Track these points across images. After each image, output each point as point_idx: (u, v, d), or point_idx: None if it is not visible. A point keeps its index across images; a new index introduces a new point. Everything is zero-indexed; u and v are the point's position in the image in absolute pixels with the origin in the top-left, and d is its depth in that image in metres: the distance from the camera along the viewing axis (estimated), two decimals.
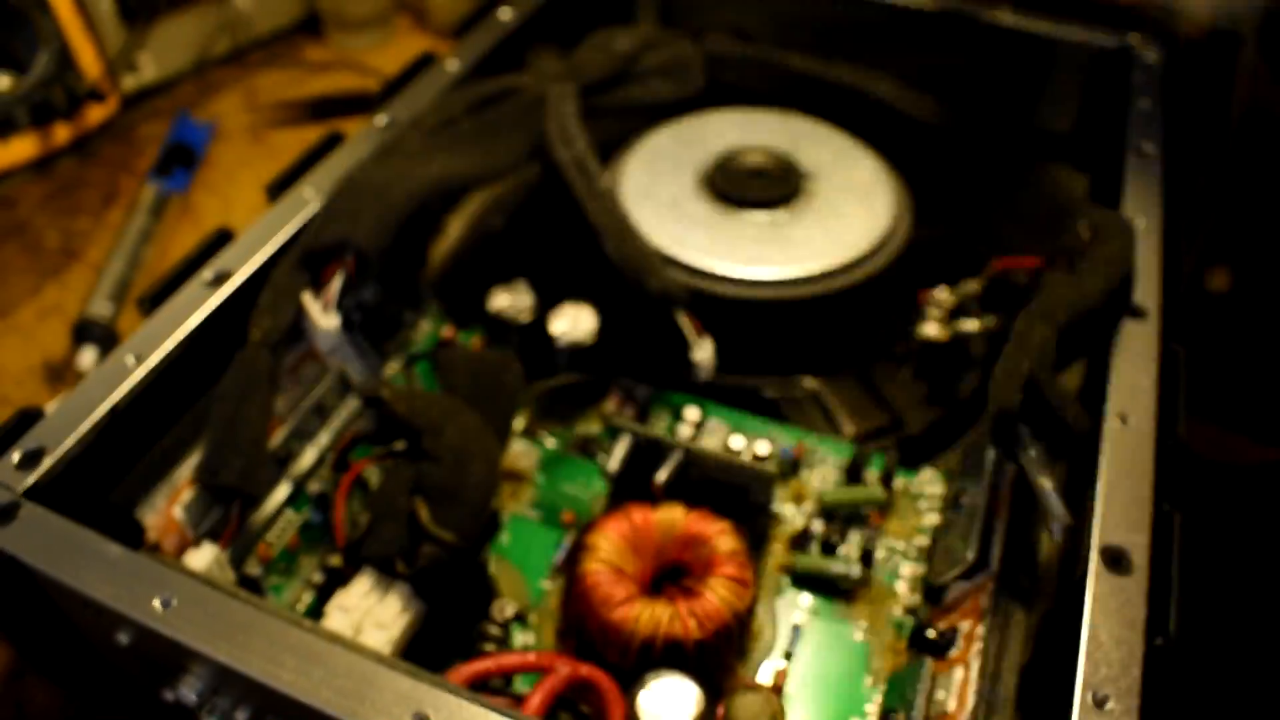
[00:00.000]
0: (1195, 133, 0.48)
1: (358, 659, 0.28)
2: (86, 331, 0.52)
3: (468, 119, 0.44)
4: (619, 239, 0.40)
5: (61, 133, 0.64)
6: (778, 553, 0.38)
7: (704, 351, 0.40)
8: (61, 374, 0.52)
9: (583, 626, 0.33)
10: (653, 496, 0.36)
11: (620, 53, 0.51)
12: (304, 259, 0.39)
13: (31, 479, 0.32)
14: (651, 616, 0.32)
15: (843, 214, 0.45)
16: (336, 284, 0.39)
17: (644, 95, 0.50)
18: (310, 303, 0.38)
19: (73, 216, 0.61)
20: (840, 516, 0.38)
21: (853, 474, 0.40)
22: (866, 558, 0.37)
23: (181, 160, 0.63)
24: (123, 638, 0.30)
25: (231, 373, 0.36)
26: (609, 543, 0.34)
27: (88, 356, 0.50)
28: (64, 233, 0.60)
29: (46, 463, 0.32)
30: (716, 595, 0.33)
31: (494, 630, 0.34)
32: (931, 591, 0.36)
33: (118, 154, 0.66)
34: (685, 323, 0.40)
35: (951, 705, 0.32)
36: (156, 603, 0.29)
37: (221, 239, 0.40)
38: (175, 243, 0.60)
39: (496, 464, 0.33)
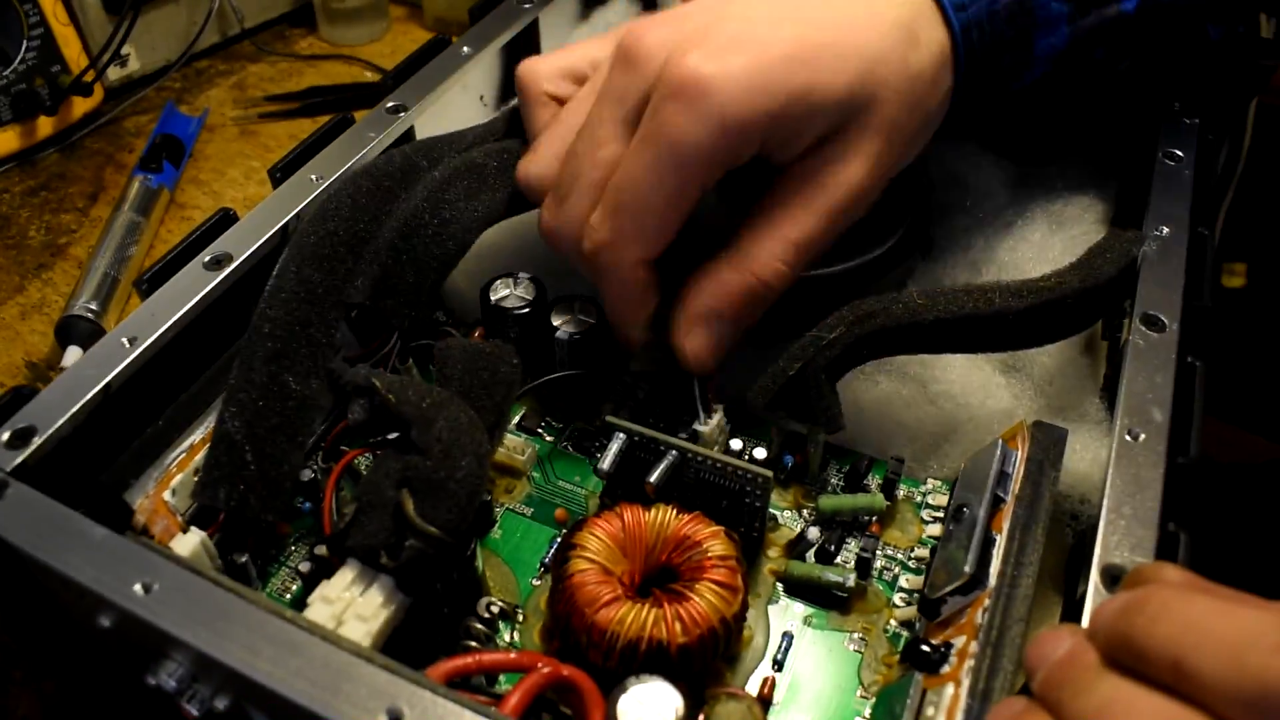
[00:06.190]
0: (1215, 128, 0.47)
1: (334, 651, 0.28)
2: (71, 330, 0.49)
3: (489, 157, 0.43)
4: None
5: (45, 126, 0.62)
6: (773, 558, 0.37)
7: None
8: (45, 374, 0.50)
9: (567, 626, 0.33)
10: (647, 497, 0.36)
11: None
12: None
13: (20, 458, 0.32)
14: (636, 619, 0.32)
15: None
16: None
17: None
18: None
19: (57, 212, 0.60)
20: (839, 524, 0.38)
21: (853, 480, 0.39)
22: (863, 567, 0.36)
23: (169, 154, 0.61)
24: (105, 621, 0.30)
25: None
26: (597, 542, 0.34)
27: (73, 357, 0.48)
28: (48, 228, 0.59)
29: (36, 442, 0.32)
30: (703, 600, 0.32)
31: (480, 627, 0.34)
32: (927, 605, 0.35)
33: (103, 147, 0.65)
34: None
35: None
36: (138, 587, 0.29)
37: (224, 221, 0.40)
38: (163, 238, 0.58)
39: (486, 459, 0.33)
